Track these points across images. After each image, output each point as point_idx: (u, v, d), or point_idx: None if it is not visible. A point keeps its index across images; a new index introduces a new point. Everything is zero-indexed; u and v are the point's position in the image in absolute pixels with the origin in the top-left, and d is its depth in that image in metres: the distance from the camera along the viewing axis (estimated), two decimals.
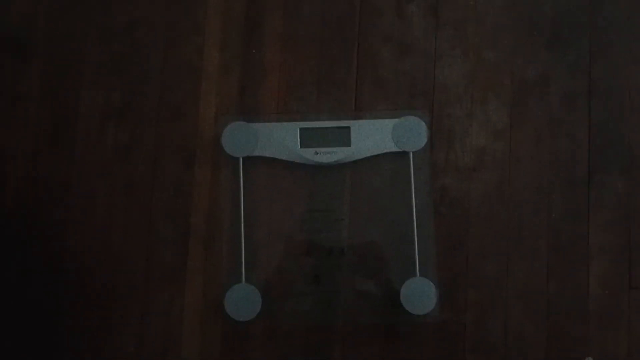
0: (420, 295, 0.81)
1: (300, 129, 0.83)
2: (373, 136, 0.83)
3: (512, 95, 0.85)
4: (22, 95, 0.86)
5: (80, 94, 0.86)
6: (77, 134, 0.86)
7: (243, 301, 0.81)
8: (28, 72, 0.87)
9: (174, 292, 0.83)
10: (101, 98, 0.86)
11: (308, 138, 0.83)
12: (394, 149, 0.83)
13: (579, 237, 0.84)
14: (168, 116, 0.86)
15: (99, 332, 0.83)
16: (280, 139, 0.83)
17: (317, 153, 0.83)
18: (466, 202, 0.84)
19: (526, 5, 0.86)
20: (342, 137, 0.83)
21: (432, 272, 0.82)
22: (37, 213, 0.85)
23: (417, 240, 0.81)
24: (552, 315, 0.83)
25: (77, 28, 0.88)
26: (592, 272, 0.83)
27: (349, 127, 0.83)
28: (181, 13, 0.87)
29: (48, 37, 0.87)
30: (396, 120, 0.83)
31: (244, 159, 0.83)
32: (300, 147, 0.83)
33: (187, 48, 0.87)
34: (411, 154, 0.83)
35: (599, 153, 0.85)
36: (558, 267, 0.83)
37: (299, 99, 0.86)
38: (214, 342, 0.83)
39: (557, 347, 0.82)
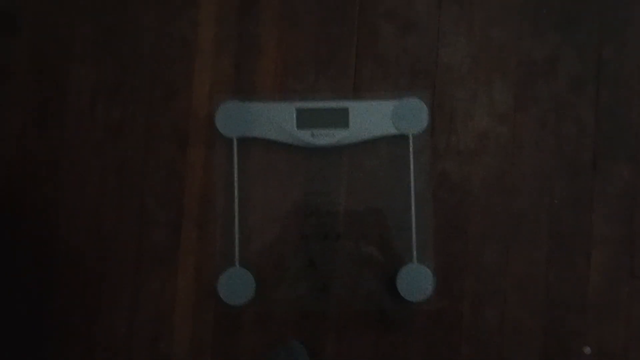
0: (416, 282, 0.79)
1: (297, 110, 0.80)
2: (372, 118, 0.80)
3: (518, 77, 0.82)
4: (11, 71, 0.83)
5: (70, 70, 0.83)
6: (67, 112, 0.83)
7: (236, 285, 0.79)
8: (17, 46, 0.84)
9: (166, 276, 0.82)
10: (92, 74, 0.83)
11: (305, 119, 0.80)
12: (394, 131, 0.80)
13: (581, 226, 0.82)
14: (161, 94, 0.83)
15: (89, 315, 0.82)
16: (276, 119, 0.80)
17: (314, 135, 0.80)
18: (466, 187, 0.82)
19: None
20: (340, 119, 0.80)
21: (430, 259, 0.80)
22: (25, 193, 0.83)
23: (415, 226, 0.79)
24: (550, 305, 0.81)
25: (67, 2, 0.84)
26: (593, 262, 0.81)
27: (347, 109, 0.80)
28: None
29: (38, 10, 0.84)
30: (396, 101, 0.80)
31: (238, 139, 0.80)
32: (297, 128, 0.80)
33: (181, 23, 0.83)
34: (411, 137, 0.80)
35: (605, 139, 0.82)
36: (558, 256, 0.81)
37: (296, 78, 0.83)
38: (206, 326, 0.82)
39: (554, 337, 0.81)
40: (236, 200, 0.80)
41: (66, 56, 0.84)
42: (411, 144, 0.80)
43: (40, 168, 0.83)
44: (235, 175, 0.80)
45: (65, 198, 0.83)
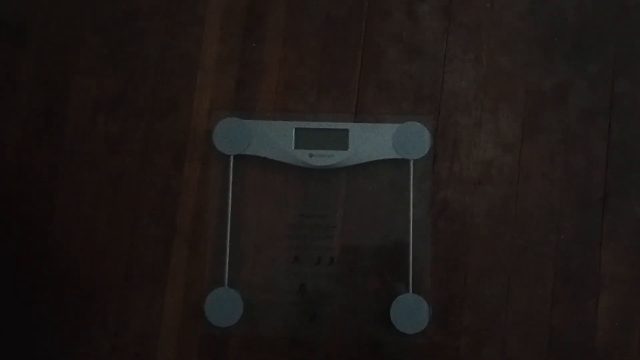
0: (411, 313, 0.75)
1: (296, 129, 0.78)
2: (372, 141, 0.78)
3: (526, 106, 0.79)
4: (16, 81, 0.84)
5: (73, 82, 0.83)
6: (68, 122, 0.83)
7: (224, 306, 0.77)
8: (24, 57, 0.84)
9: (154, 292, 0.79)
10: (94, 87, 0.83)
11: (303, 139, 0.78)
12: (394, 155, 0.78)
13: (589, 264, 0.77)
14: (161, 109, 0.82)
15: (73, 330, 0.80)
16: (274, 138, 0.79)
17: (312, 155, 0.78)
18: (468, 217, 0.78)
19: (547, 11, 0.81)
20: (340, 140, 0.78)
21: (426, 290, 0.77)
22: (21, 200, 0.82)
23: (413, 255, 0.76)
24: (554, 348, 0.76)
25: (76, 15, 0.84)
26: (602, 303, 0.77)
27: (347, 130, 0.78)
28: (182, 3, 0.83)
29: (46, 22, 0.84)
30: (398, 125, 0.78)
31: (235, 157, 0.79)
32: (295, 147, 0.78)
33: (185, 39, 0.83)
34: (412, 162, 0.77)
35: (617, 174, 0.78)
36: (564, 295, 0.77)
37: (297, 98, 0.81)
38: (191, 347, 0.79)
39: None
40: (229, 218, 0.78)
41: (71, 68, 0.84)
42: (412, 169, 0.77)
43: (37, 178, 0.82)
44: (230, 193, 0.78)
45: (59, 209, 0.82)
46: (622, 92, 0.79)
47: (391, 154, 0.78)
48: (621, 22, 0.80)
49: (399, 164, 0.78)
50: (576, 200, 0.78)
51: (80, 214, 0.81)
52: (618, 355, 0.76)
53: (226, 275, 0.77)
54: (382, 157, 0.78)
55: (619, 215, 0.78)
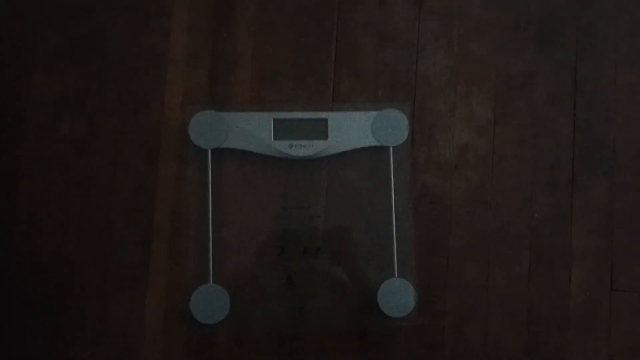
0: (398, 297, 0.76)
1: (274, 120, 0.77)
2: (351, 129, 0.78)
3: (496, 91, 0.82)
4: None
5: (32, 81, 0.79)
6: (28, 124, 0.78)
7: (210, 303, 0.75)
8: None
9: (135, 295, 0.77)
10: (55, 85, 0.79)
11: (282, 130, 0.77)
12: (374, 143, 0.78)
13: (561, 240, 0.81)
14: (130, 105, 0.79)
15: (50, 339, 0.76)
16: (252, 130, 0.77)
17: (292, 146, 0.77)
18: (447, 200, 0.80)
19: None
20: (319, 130, 0.78)
21: (411, 274, 0.78)
22: None
23: (396, 240, 0.77)
24: (532, 321, 0.79)
25: (30, 7, 0.80)
26: (574, 277, 0.80)
27: (326, 119, 0.78)
28: None
29: None
30: (376, 113, 0.79)
31: (212, 151, 0.77)
32: (274, 139, 0.77)
33: (152, 31, 0.80)
34: (391, 149, 0.78)
35: (583, 154, 0.82)
36: (539, 271, 0.80)
37: (273, 89, 0.80)
38: (177, 348, 0.77)
39: (537, 354, 0.79)
40: (210, 214, 0.76)
41: (28, 66, 0.79)
42: (391, 155, 0.78)
43: None
44: (210, 188, 0.77)
45: (25, 214, 0.77)
46: (584, 74, 0.82)
47: (371, 142, 0.78)
48: (582, 9, 0.83)
49: (378, 151, 0.79)
50: (546, 180, 0.81)
51: (47, 219, 0.78)
52: (590, 324, 0.80)
53: (210, 272, 0.75)
54: (361, 145, 0.78)
55: (587, 193, 0.81)
